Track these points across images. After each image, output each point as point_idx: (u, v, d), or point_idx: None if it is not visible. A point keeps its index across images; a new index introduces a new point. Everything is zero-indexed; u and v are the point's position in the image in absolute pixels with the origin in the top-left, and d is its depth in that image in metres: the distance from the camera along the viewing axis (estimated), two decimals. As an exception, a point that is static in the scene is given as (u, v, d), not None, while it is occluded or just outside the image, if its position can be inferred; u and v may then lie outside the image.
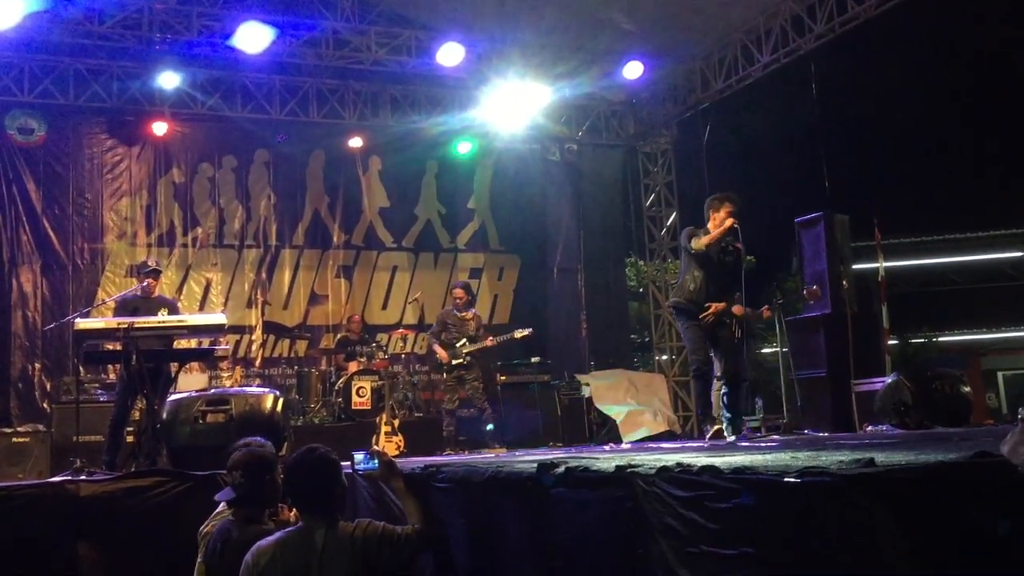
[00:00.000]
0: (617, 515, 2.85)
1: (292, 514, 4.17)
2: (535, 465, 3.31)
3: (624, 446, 8.35)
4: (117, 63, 11.23)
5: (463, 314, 9.63)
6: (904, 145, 19.92)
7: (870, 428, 7.56)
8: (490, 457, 6.49)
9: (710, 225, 7.22)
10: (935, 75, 18.94)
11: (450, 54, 11.39)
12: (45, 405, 10.57)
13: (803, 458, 3.00)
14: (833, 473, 2.25)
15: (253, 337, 11.94)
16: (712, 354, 7.24)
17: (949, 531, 2.15)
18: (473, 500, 3.74)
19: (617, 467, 2.92)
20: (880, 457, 2.56)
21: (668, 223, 13.96)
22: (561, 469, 3.12)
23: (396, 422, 9.68)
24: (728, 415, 7.04)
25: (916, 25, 14.02)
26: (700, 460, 2.85)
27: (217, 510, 4.29)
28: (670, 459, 2.96)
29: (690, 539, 2.54)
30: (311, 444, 3.80)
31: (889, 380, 7.51)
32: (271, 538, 3.66)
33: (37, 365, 10.93)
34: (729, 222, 6.93)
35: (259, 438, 4.40)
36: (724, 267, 7.10)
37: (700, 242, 6.99)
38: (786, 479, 2.30)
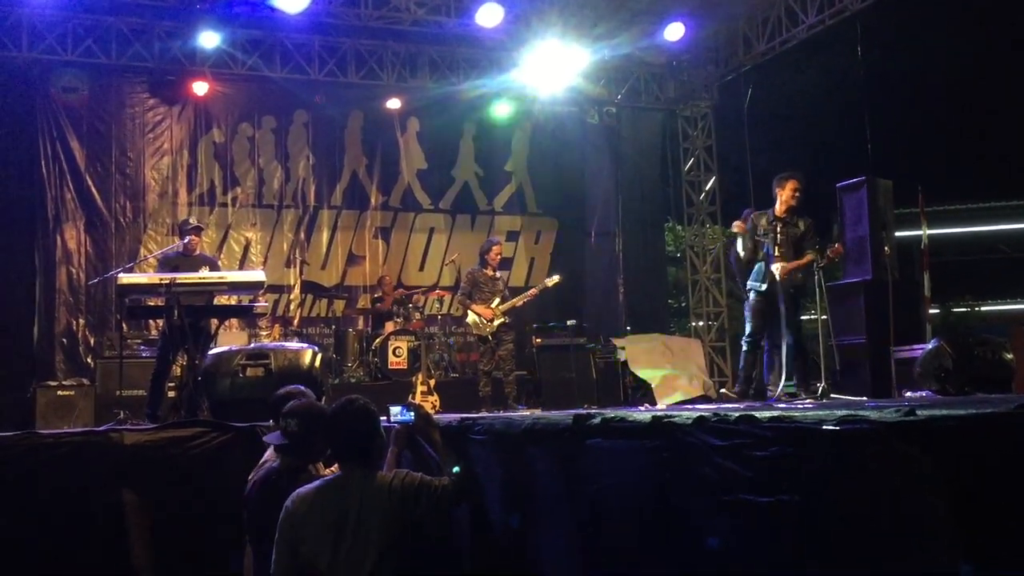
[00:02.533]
0: (653, 465, 2.86)
1: (327, 471, 4.22)
2: (571, 417, 3.32)
3: (659, 407, 8.35)
4: (159, 22, 11.28)
5: (495, 273, 9.56)
6: (951, 110, 19.51)
7: (909, 394, 7.48)
8: (526, 414, 6.52)
9: (778, 203, 7.70)
10: (985, 37, 18.49)
11: (489, 15, 11.30)
12: (89, 360, 10.76)
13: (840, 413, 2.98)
14: (873, 421, 2.23)
15: (291, 296, 12.08)
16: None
17: (990, 480, 2.13)
18: (509, 452, 3.77)
19: (654, 417, 2.93)
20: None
21: (707, 187, 13.83)
22: (598, 420, 3.13)
23: (432, 382, 9.75)
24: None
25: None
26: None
27: (264, 458, 4.35)
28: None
29: (726, 487, 2.55)
30: (350, 396, 3.83)
31: (930, 346, 7.42)
32: (311, 486, 3.71)
33: (81, 321, 11.12)
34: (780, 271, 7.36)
35: (302, 387, 4.47)
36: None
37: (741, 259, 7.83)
38: (825, 426, 2.29)
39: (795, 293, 7.57)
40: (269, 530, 3.85)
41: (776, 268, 7.34)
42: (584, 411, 3.60)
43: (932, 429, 2.21)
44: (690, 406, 8.89)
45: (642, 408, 7.49)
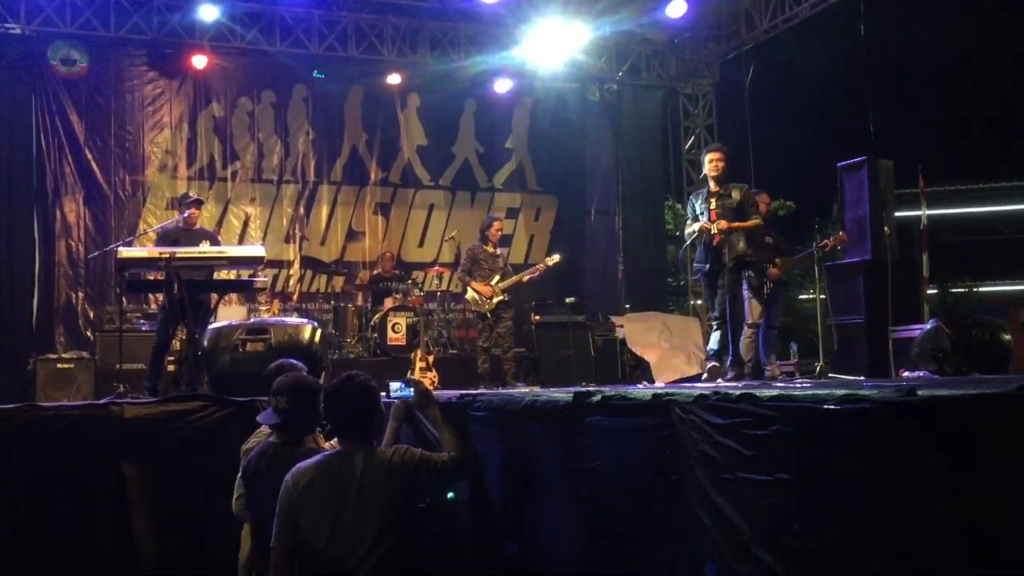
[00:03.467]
0: (653, 442, 2.87)
1: (327, 444, 4.24)
2: (571, 394, 3.33)
3: (658, 385, 8.38)
4: (157, -5, 11.23)
5: (495, 250, 9.53)
6: (952, 90, 19.46)
7: (906, 374, 7.50)
8: (525, 391, 6.54)
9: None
10: (989, 17, 18.41)
11: (491, -10, 11.25)
12: (88, 333, 10.78)
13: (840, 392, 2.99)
14: (874, 400, 2.24)
15: (291, 272, 12.07)
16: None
17: (990, 459, 2.14)
18: (509, 428, 3.78)
19: (654, 395, 2.94)
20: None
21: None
22: (598, 397, 3.14)
23: (431, 358, 9.75)
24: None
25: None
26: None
27: (260, 428, 4.37)
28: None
29: (726, 466, 2.56)
30: (351, 371, 3.84)
31: (928, 326, 7.43)
32: (311, 460, 3.73)
33: (80, 294, 11.12)
34: (713, 230, 7.17)
35: (292, 360, 4.47)
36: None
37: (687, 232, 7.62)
38: (826, 406, 2.30)
39: (739, 266, 7.41)
40: (268, 504, 3.88)
41: (713, 228, 7.20)
42: (584, 388, 3.61)
43: (932, 409, 2.22)
44: (689, 384, 8.94)
45: (640, 386, 7.52)
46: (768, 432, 2.42)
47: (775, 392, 2.59)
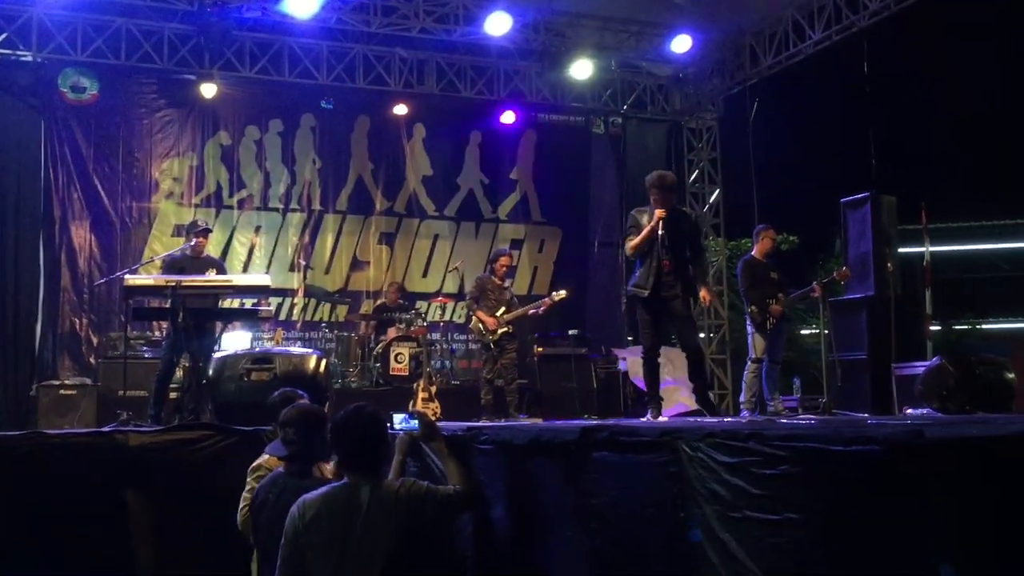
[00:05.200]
0: (660, 479, 2.88)
1: (329, 468, 4.25)
2: (578, 429, 3.34)
3: (660, 419, 8.36)
4: (168, 24, 11.32)
5: (503, 282, 9.59)
6: (955, 128, 19.55)
7: (910, 411, 7.50)
8: (529, 424, 6.54)
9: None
10: (989, 56, 18.54)
11: (497, 23, 11.35)
12: (92, 360, 10.78)
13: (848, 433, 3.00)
14: (882, 442, 2.26)
15: (294, 300, 12.09)
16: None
17: (997, 504, 2.15)
18: (515, 462, 3.79)
19: (662, 432, 2.95)
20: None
21: (711, 200, 13.86)
22: (605, 433, 3.15)
23: (433, 389, 9.76)
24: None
25: (973, 4, 13.73)
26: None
27: (259, 460, 4.39)
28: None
29: (734, 504, 2.57)
30: (359, 403, 3.86)
31: (932, 363, 7.44)
32: (317, 492, 3.73)
33: (84, 320, 11.13)
34: (659, 214, 6.54)
35: (296, 390, 4.50)
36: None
37: (628, 248, 6.78)
38: (834, 447, 2.32)
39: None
40: (275, 535, 3.89)
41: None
42: (592, 423, 3.62)
43: (940, 451, 2.24)
44: (692, 419, 8.94)
45: (643, 419, 7.50)
46: (777, 472, 2.43)
47: (784, 432, 2.61)
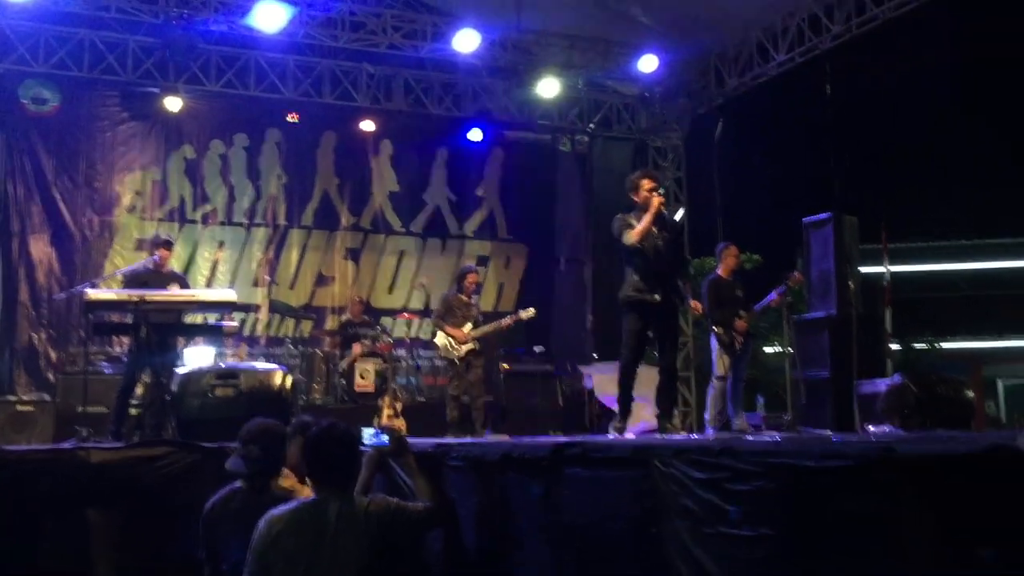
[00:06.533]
0: (633, 495, 2.88)
1: (287, 483, 4.23)
2: (550, 445, 3.34)
3: (626, 436, 8.37)
4: (133, 37, 11.20)
5: (469, 299, 9.57)
6: (915, 149, 19.90)
7: (872, 428, 7.58)
8: (499, 441, 6.51)
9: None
10: (949, 79, 18.92)
11: (465, 40, 11.38)
12: (49, 375, 10.61)
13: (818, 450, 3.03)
14: (854, 456, 2.28)
15: (259, 316, 11.99)
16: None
17: (968, 517, 2.18)
18: (485, 479, 3.77)
19: (634, 448, 2.96)
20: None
21: (677, 218, 13.93)
22: (577, 449, 3.15)
23: (399, 405, 9.69)
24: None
25: (932, 28, 14.00)
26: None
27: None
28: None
29: (707, 520, 2.58)
30: (332, 420, 3.86)
31: (893, 381, 7.53)
32: (285, 508, 3.70)
33: (42, 335, 10.96)
34: (657, 201, 6.28)
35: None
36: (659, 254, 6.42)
37: (631, 236, 6.28)
38: (807, 462, 2.33)
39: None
40: (222, 550, 3.96)
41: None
42: (564, 439, 3.62)
43: (913, 467, 2.26)
44: (660, 436, 8.95)
45: (609, 437, 7.50)
46: (750, 487, 2.44)
47: (757, 447, 2.62)
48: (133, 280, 8.02)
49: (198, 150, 12.08)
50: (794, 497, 2.37)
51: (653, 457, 2.83)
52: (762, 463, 2.44)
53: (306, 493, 4.12)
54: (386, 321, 11.96)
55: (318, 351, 11.21)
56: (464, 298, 9.47)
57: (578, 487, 3.18)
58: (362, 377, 10.50)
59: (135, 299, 6.86)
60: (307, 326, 12.17)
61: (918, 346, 20.18)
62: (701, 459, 2.64)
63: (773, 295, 9.10)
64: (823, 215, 9.63)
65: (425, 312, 12.25)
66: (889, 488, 2.24)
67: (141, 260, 9.14)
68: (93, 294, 7.09)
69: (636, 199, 6.50)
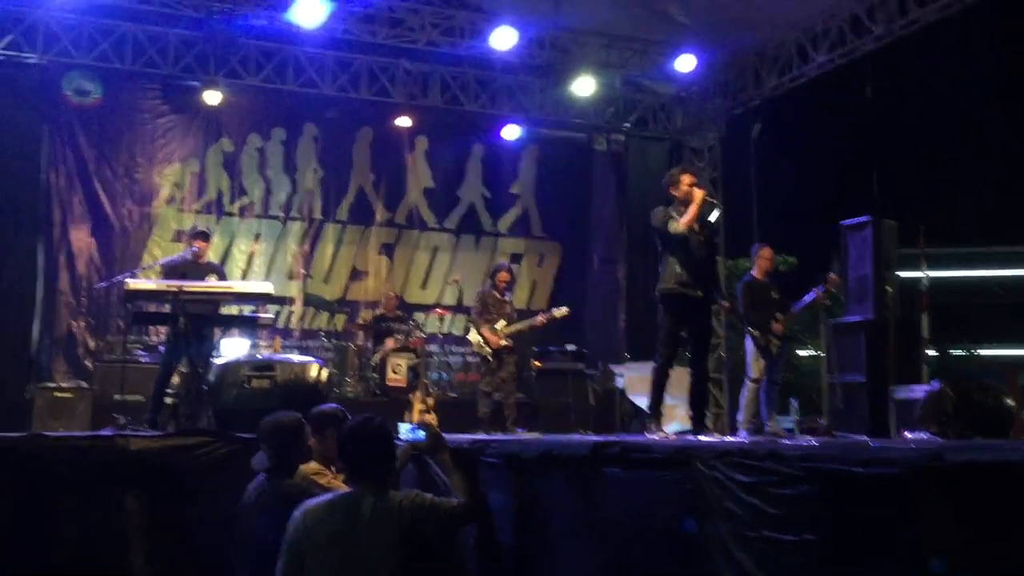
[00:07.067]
0: (674, 497, 2.87)
1: (312, 466, 4.29)
2: (590, 444, 3.33)
3: (665, 436, 8.33)
4: (174, 31, 11.31)
5: (504, 296, 9.58)
6: (956, 153, 19.63)
7: (908, 435, 7.48)
8: (536, 438, 6.49)
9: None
10: (992, 83, 18.64)
11: (503, 38, 11.36)
12: (88, 363, 10.74)
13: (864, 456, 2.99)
14: (901, 464, 2.25)
15: (293, 309, 12.06)
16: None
17: (1014, 527, 2.15)
18: (522, 476, 3.77)
19: (676, 449, 2.94)
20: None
21: (712, 219, 13.81)
22: (617, 448, 3.14)
23: (431, 401, 9.71)
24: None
25: (977, 31, 13.81)
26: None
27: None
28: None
29: (750, 523, 2.56)
30: (368, 414, 3.87)
31: (932, 388, 7.43)
32: (322, 499, 3.74)
33: (81, 323, 11.09)
34: (700, 193, 6.27)
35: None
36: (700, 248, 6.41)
37: (679, 224, 6.23)
38: (853, 469, 2.31)
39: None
40: (255, 541, 4.08)
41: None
42: (603, 439, 3.61)
43: (958, 473, 2.23)
44: (690, 436, 8.90)
45: (652, 435, 7.47)
46: (795, 492, 2.42)
47: (801, 452, 2.60)
48: (171, 271, 8.11)
49: (236, 143, 12.17)
50: (839, 503, 2.35)
51: (695, 459, 2.82)
52: (807, 468, 2.42)
53: (336, 484, 4.18)
54: (419, 316, 11.98)
55: (351, 345, 11.26)
56: (498, 295, 9.49)
57: (617, 487, 3.17)
58: (394, 371, 10.53)
59: (173, 289, 6.96)
60: (341, 320, 12.23)
61: (955, 352, 19.91)
62: (745, 462, 2.63)
63: (813, 294, 9.02)
64: (862, 218, 9.53)
65: (458, 308, 12.28)
66: (936, 496, 2.21)
67: (179, 251, 9.24)
68: (133, 284, 7.19)
69: (675, 194, 6.47)
